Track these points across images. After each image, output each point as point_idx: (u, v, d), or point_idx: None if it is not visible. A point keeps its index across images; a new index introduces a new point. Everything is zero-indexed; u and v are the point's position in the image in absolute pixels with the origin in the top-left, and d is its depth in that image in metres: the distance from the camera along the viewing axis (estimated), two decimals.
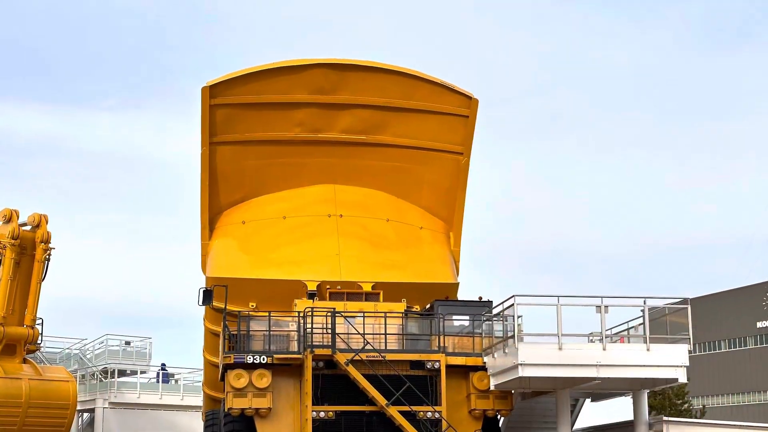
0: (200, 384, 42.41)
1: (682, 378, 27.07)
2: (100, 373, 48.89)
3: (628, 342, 28.29)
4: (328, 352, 28.07)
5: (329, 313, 28.55)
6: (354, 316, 29.14)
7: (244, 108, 32.88)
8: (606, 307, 26.88)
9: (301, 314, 28.85)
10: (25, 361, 37.81)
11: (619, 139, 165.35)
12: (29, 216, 37.70)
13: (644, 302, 27.41)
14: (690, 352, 27.22)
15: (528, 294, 27.44)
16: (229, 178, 33.71)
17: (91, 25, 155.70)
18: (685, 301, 28.02)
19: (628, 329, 28.72)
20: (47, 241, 37.48)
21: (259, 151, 33.64)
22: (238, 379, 28.03)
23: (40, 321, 38.19)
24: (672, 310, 28.30)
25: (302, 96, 32.95)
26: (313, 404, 27.88)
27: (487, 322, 29.48)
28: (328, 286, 31.46)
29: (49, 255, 37.63)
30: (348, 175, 34.14)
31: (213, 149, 33.21)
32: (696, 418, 58.45)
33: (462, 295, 32.98)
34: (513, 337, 26.83)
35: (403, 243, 33.52)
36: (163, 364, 50.82)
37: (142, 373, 50.91)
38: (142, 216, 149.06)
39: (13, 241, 36.72)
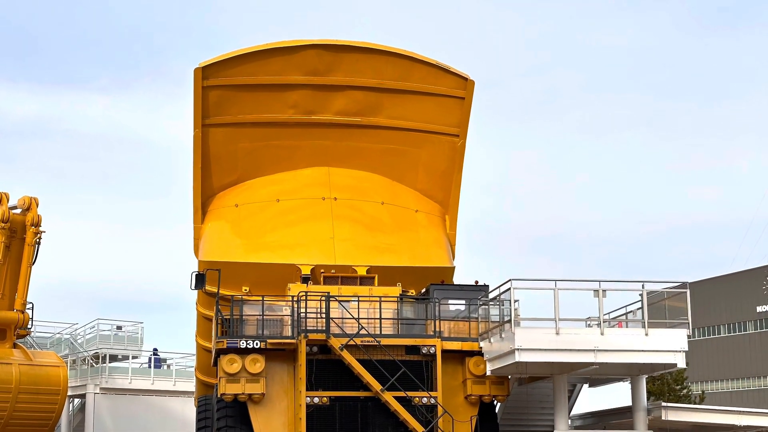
0: (193, 369, 42.15)
1: (681, 363, 26.89)
2: (92, 359, 48.66)
3: (627, 327, 28.13)
4: (322, 336, 27.81)
5: (323, 298, 28.32)
6: (348, 301, 28.94)
7: (237, 90, 32.62)
8: (604, 291, 26.73)
9: (295, 298, 28.65)
10: (15, 346, 37.43)
11: (618, 120, 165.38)
12: (19, 199, 37.31)
13: (643, 286, 27.26)
14: (689, 337, 27.07)
15: (525, 278, 27.25)
16: (222, 160, 33.50)
17: (83, 5, 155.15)
18: (684, 285, 27.84)
19: (626, 314, 28.60)
20: (37, 224, 37.08)
21: (252, 133, 33.42)
22: (231, 364, 27.80)
23: (30, 305, 37.82)
24: (671, 295, 28.15)
25: (296, 77, 32.71)
26: (307, 390, 27.69)
27: (483, 307, 29.26)
28: (322, 270, 31.25)
29: (40, 238, 37.24)
30: (342, 157, 33.93)
31: (206, 131, 32.98)
32: (695, 403, 58.30)
33: (458, 279, 32.85)
34: (510, 321, 26.57)
35: (398, 226, 33.31)
36: (155, 349, 50.56)
37: (133, 358, 50.71)
38: (134, 199, 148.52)
39: (2, 224, 36.36)
